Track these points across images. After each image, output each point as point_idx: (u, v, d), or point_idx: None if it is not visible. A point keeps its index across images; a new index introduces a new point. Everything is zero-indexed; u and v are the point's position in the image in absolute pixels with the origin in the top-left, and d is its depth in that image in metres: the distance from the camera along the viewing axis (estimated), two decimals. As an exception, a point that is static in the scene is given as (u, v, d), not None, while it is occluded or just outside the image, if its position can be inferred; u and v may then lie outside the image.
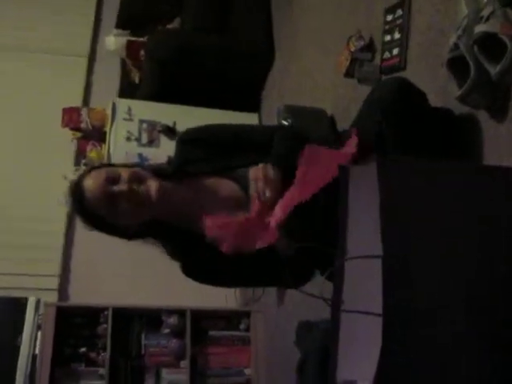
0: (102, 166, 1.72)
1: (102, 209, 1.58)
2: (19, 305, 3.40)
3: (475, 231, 1.25)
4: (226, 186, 1.68)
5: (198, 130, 1.77)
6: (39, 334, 3.35)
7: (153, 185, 1.59)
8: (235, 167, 1.68)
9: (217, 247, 1.58)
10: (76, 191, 1.61)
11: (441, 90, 1.85)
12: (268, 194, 1.56)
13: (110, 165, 1.74)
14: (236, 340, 3.66)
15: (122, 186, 1.57)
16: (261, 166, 1.59)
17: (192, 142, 1.75)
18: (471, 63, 1.51)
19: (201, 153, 1.72)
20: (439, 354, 1.13)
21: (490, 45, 1.48)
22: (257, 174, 1.58)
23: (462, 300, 1.15)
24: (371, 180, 1.24)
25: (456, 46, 1.59)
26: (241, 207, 1.65)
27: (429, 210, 1.25)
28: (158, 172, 1.65)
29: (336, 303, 1.27)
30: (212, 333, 3.65)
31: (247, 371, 3.58)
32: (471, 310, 1.15)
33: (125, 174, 1.59)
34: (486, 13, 1.54)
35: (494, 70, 1.45)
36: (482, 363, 1.13)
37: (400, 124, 1.59)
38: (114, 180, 1.58)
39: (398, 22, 2.19)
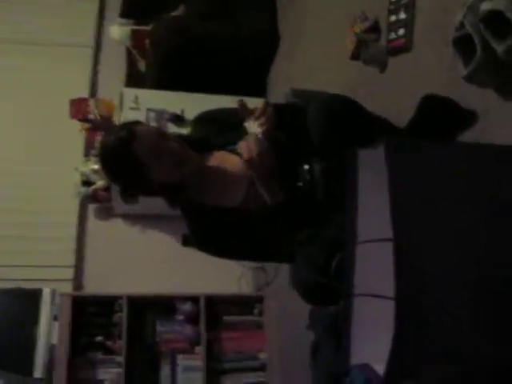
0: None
1: (145, 156, 1.68)
2: (34, 296, 3.42)
3: (484, 211, 1.25)
4: (231, 159, 1.83)
5: (210, 111, 1.97)
6: (56, 324, 3.37)
7: (191, 153, 1.75)
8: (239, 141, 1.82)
9: (219, 214, 1.79)
10: (127, 133, 1.69)
11: (447, 70, 1.83)
12: (260, 171, 1.71)
13: None
14: (250, 325, 3.68)
15: (173, 143, 1.71)
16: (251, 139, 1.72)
17: (206, 121, 1.95)
18: (477, 42, 1.49)
19: (213, 130, 1.89)
20: (451, 337, 1.13)
21: (496, 22, 1.46)
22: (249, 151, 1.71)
23: (472, 283, 1.15)
24: (379, 163, 1.24)
25: (462, 24, 1.57)
26: (242, 177, 1.81)
27: (437, 191, 1.25)
28: (188, 143, 1.80)
29: (348, 287, 1.28)
30: (226, 318, 3.67)
31: (262, 355, 3.60)
32: (482, 293, 1.15)
33: (172, 135, 1.76)
34: (491, -10, 1.53)
35: (500, 48, 1.43)
36: (494, 346, 1.13)
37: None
38: (163, 135, 1.73)
39: (403, 1, 2.16)
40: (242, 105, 1.72)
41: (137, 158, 1.67)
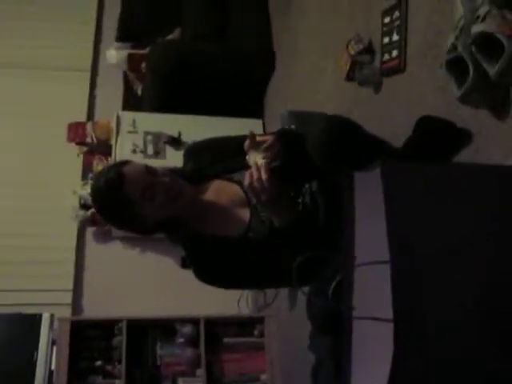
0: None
1: (137, 195, 1.65)
2: (33, 321, 3.39)
3: (484, 232, 1.25)
4: (230, 188, 1.81)
5: (203, 142, 1.94)
6: (55, 349, 3.35)
7: (185, 185, 1.72)
8: (237, 169, 1.79)
9: (220, 245, 1.74)
10: (116, 175, 1.66)
11: (441, 90, 1.85)
12: (263, 198, 1.61)
13: None
14: (250, 346, 3.65)
15: (163, 178, 1.68)
16: (253, 168, 1.63)
17: (199, 150, 1.92)
18: (470, 64, 1.51)
19: (207, 160, 1.86)
20: (451, 360, 1.13)
21: (488, 44, 1.48)
22: (251, 178, 1.63)
23: (473, 304, 1.15)
24: (376, 185, 1.24)
25: (454, 46, 1.59)
26: (242, 206, 1.78)
27: (434, 212, 1.25)
28: (181, 175, 1.77)
29: (347, 309, 1.28)
30: (226, 340, 3.65)
31: (263, 377, 3.58)
32: (483, 313, 1.15)
33: (162, 170, 1.71)
34: (482, 12, 1.55)
35: (492, 69, 1.45)
36: (495, 369, 1.13)
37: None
38: (153, 172, 1.69)
39: (396, 23, 2.19)
40: (253, 137, 1.69)
41: (128, 199, 1.65)
